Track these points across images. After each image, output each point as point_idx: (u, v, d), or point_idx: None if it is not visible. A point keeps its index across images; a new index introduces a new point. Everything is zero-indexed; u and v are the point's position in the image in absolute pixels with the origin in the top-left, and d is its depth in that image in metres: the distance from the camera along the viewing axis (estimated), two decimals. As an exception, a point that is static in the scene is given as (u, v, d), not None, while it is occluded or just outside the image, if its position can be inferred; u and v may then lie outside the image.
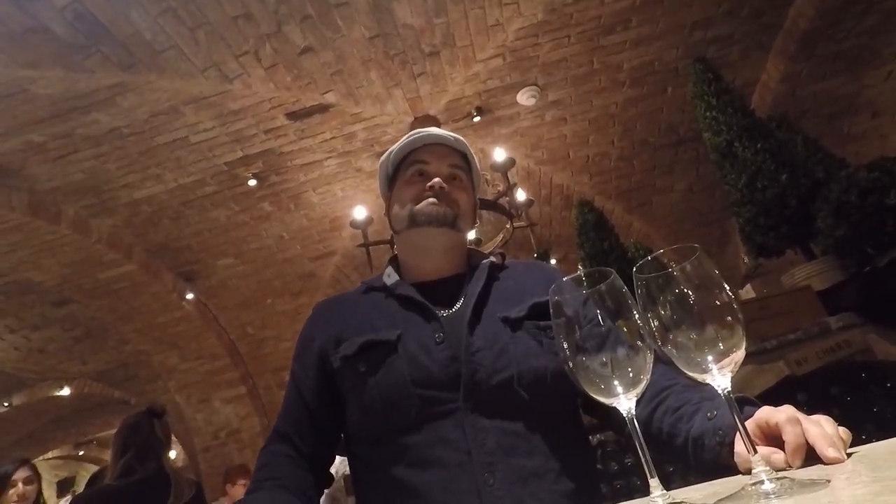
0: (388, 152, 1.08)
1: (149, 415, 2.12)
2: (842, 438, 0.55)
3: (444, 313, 0.92)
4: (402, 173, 1.05)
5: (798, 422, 0.56)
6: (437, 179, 0.99)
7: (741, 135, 2.87)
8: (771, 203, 2.66)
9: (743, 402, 0.68)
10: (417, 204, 0.99)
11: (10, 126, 3.13)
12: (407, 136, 1.05)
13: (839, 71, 3.74)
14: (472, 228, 1.07)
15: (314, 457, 0.95)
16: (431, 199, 0.98)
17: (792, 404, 0.60)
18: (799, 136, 3.01)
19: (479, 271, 0.98)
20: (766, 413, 0.60)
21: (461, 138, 1.06)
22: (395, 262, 1.07)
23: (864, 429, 1.39)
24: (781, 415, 0.58)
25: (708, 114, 3.10)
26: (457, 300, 0.95)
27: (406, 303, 0.94)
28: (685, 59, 3.64)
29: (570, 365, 0.56)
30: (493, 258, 1.04)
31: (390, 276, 1.01)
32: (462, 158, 1.05)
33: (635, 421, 0.55)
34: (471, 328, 0.88)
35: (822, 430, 0.55)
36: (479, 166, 1.11)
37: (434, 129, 1.05)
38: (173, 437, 6.42)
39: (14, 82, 2.82)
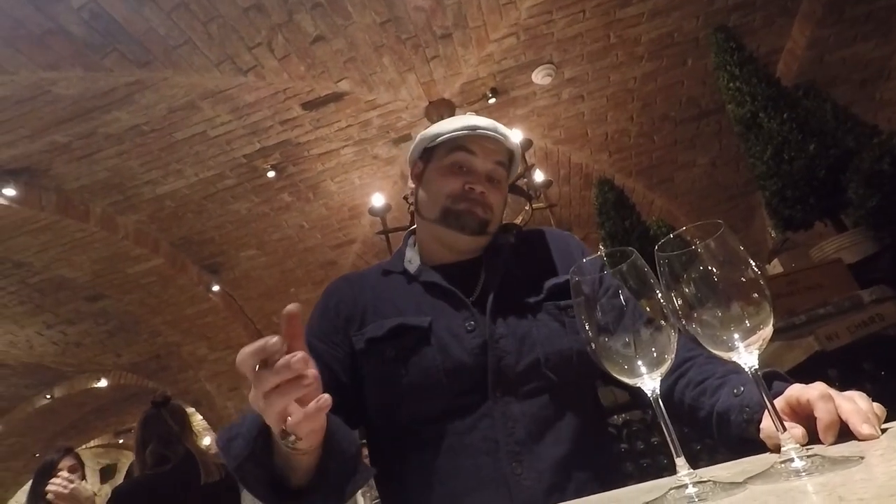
0: (436, 127, 0.99)
1: (155, 407, 2.19)
2: (876, 414, 0.54)
3: (470, 299, 0.89)
4: (442, 153, 0.98)
5: (830, 398, 0.55)
6: (479, 188, 0.93)
7: (766, 105, 2.78)
8: (798, 175, 2.58)
9: (773, 377, 0.66)
10: (453, 203, 0.93)
11: (35, 128, 3.21)
12: (459, 118, 0.99)
13: (869, 34, 3.57)
14: (500, 219, 1.02)
15: None
16: (468, 203, 0.93)
17: (823, 380, 0.59)
18: (828, 104, 2.91)
19: (497, 256, 0.95)
20: (796, 390, 0.59)
21: (513, 137, 0.99)
22: (412, 240, 1.03)
23: (899, 403, 1.35)
24: (813, 391, 0.57)
25: (731, 84, 3.01)
26: (475, 283, 0.92)
27: (433, 289, 0.91)
28: (705, 29, 3.52)
29: (593, 346, 0.56)
30: (510, 237, 1.00)
31: (412, 262, 0.98)
32: (507, 154, 0.99)
33: (660, 400, 0.55)
34: (493, 316, 0.86)
35: (856, 405, 0.54)
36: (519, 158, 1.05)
37: (487, 121, 0.97)
38: (207, 425, 6.64)
39: (37, 84, 2.89)
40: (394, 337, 0.86)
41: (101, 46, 2.76)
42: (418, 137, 1.02)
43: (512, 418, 0.80)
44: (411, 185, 1.05)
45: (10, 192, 3.46)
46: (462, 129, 0.95)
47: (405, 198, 1.06)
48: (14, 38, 2.57)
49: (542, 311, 0.88)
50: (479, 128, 0.94)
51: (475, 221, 0.93)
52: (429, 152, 1.00)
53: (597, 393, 0.94)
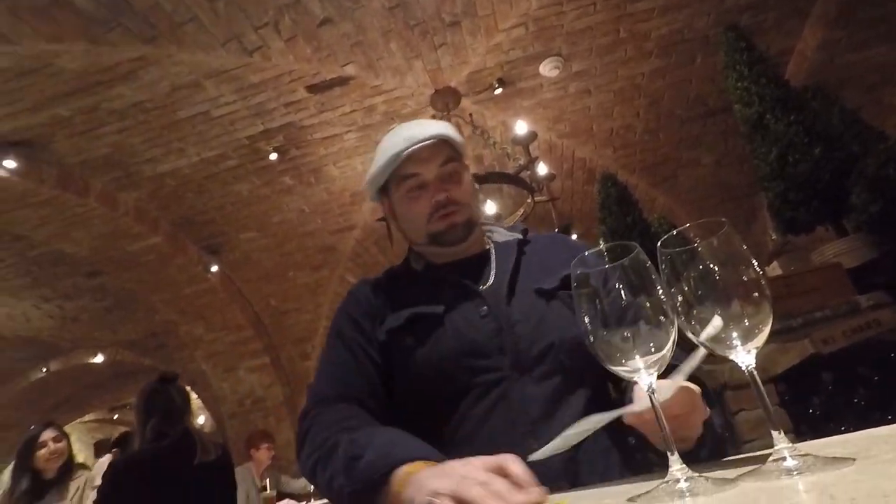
0: (373, 166, 1.02)
1: (163, 382, 2.19)
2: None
3: (481, 288, 0.93)
4: (394, 185, 1.00)
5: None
6: (441, 196, 0.95)
7: (774, 106, 2.77)
8: (802, 178, 2.58)
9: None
10: (432, 225, 0.96)
11: (37, 100, 3.19)
12: (382, 153, 0.99)
13: (881, 38, 3.54)
14: (477, 203, 1.05)
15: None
16: (443, 214, 0.96)
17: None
18: (835, 108, 2.89)
19: (508, 247, 1.00)
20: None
21: (437, 128, 0.97)
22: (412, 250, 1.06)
23: (891, 408, 1.36)
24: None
25: (739, 84, 2.99)
26: (486, 275, 0.96)
27: (441, 283, 0.96)
28: (716, 27, 3.48)
29: (592, 339, 0.56)
30: (518, 235, 1.04)
31: (418, 262, 1.02)
32: (445, 146, 0.99)
33: (653, 396, 0.55)
34: (508, 300, 0.90)
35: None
36: (461, 134, 1.04)
37: (403, 136, 0.97)
38: (201, 404, 6.68)
39: (41, 56, 2.86)
40: (411, 325, 0.90)
41: (105, 20, 2.73)
42: (366, 181, 1.04)
43: (528, 398, 0.83)
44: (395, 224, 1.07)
45: (10, 164, 3.45)
46: (387, 165, 0.97)
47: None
48: (18, 7, 2.54)
49: (557, 298, 0.91)
50: (401, 150, 0.95)
51: (459, 230, 0.97)
52: (385, 189, 1.03)
53: (607, 376, 0.94)
